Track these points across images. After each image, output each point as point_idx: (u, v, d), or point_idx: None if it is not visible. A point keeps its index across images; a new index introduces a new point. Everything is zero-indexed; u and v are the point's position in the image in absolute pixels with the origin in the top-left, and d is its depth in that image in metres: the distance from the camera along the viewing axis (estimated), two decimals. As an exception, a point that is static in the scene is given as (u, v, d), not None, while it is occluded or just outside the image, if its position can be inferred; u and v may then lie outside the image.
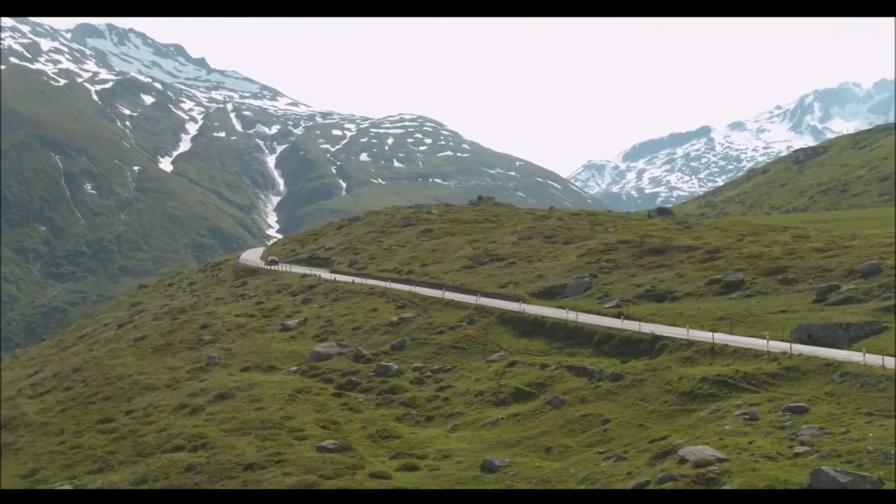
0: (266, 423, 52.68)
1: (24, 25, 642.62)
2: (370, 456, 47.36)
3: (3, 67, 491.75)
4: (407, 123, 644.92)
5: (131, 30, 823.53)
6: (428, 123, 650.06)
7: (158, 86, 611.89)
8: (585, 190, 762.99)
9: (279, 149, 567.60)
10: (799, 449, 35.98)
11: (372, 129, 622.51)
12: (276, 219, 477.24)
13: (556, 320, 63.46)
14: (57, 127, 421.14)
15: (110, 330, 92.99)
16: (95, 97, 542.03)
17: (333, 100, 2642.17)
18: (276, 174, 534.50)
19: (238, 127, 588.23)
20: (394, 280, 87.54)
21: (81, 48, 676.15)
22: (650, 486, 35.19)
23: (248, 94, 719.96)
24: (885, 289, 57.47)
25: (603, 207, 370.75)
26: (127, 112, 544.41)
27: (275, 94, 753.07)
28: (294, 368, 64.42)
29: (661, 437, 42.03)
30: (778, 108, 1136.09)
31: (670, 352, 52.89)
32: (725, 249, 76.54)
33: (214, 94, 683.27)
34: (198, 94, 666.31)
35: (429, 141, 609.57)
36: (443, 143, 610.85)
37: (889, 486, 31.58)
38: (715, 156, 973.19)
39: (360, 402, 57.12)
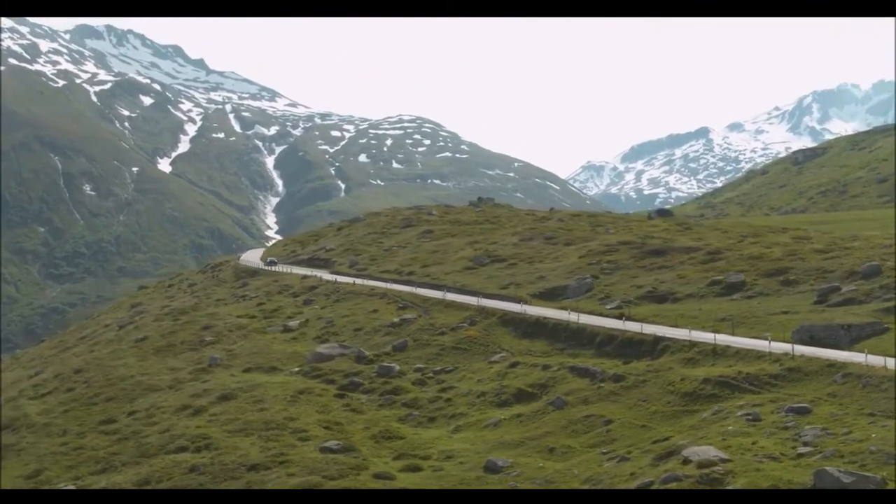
0: (269, 423, 52.76)
1: (23, 26, 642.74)
2: (373, 457, 47.45)
3: (2, 68, 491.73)
4: (406, 124, 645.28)
5: (130, 31, 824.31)
6: (427, 124, 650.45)
7: (157, 87, 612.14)
8: (584, 191, 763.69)
9: (278, 150, 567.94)
10: (802, 449, 36.08)
11: (371, 130, 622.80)
12: (274, 220, 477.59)
13: (558, 321, 63.58)
14: (56, 128, 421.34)
15: (111, 331, 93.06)
16: (94, 98, 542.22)
17: (332, 101, 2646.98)
18: (274, 175, 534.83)
19: (237, 128, 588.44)
20: (395, 281, 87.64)
21: (80, 49, 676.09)
22: (654, 487, 35.30)
23: (246, 95, 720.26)
24: (886, 290, 57.61)
25: (601, 208, 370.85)
26: (126, 113, 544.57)
27: (273, 95, 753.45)
28: (296, 369, 64.52)
29: (664, 438, 42.12)
30: (776, 109, 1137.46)
31: (672, 353, 53.01)
32: (726, 251, 76.68)
33: (213, 95, 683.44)
34: (197, 95, 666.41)
35: (427, 142, 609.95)
36: (441, 144, 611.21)
37: (892, 486, 31.72)
38: (713, 157, 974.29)
39: (363, 402, 57.22)
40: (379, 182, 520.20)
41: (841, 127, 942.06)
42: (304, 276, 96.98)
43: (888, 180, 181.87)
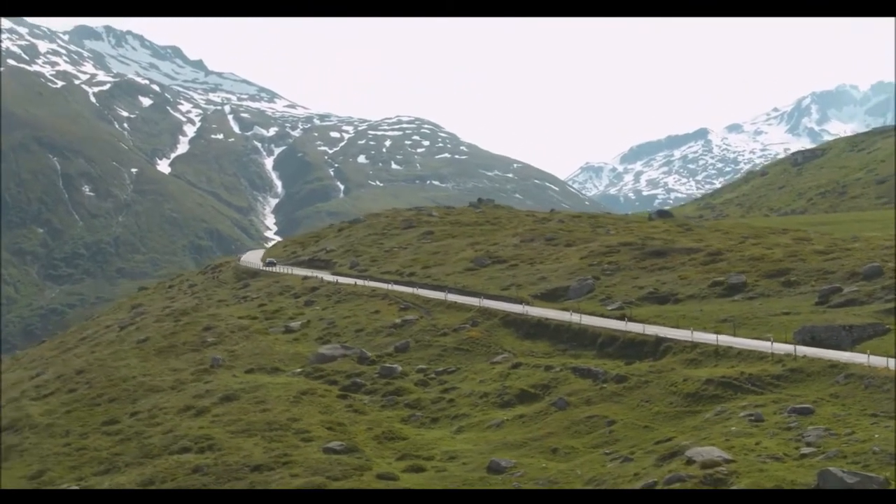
0: (272, 424, 52.87)
1: (22, 27, 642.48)
2: (377, 457, 47.57)
3: (1, 69, 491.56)
4: (405, 125, 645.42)
5: (129, 32, 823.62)
6: (426, 125, 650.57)
7: (156, 88, 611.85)
8: (583, 192, 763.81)
9: (277, 151, 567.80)
10: (805, 450, 36.21)
11: (370, 132, 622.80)
12: (273, 221, 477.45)
13: (560, 322, 63.72)
14: (55, 129, 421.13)
15: (112, 332, 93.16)
16: (93, 99, 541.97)
17: (331, 101, 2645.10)
18: (273, 176, 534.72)
19: (236, 129, 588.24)
20: (396, 282, 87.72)
21: (79, 50, 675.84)
22: (658, 487, 35.41)
23: (245, 96, 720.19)
24: (888, 291, 57.78)
25: (600, 209, 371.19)
26: (125, 114, 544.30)
27: (272, 96, 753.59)
28: (298, 370, 64.62)
29: (666, 439, 42.23)
30: (775, 110, 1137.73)
31: (674, 353, 53.16)
32: (727, 252, 76.82)
33: (212, 96, 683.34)
34: (195, 96, 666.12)
35: (426, 143, 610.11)
36: (440, 145, 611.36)
37: (895, 486, 31.84)
38: (712, 158, 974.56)
39: (366, 403, 57.34)
40: (378, 183, 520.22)
41: (840, 128, 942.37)
42: (305, 277, 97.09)
43: (887, 181, 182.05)
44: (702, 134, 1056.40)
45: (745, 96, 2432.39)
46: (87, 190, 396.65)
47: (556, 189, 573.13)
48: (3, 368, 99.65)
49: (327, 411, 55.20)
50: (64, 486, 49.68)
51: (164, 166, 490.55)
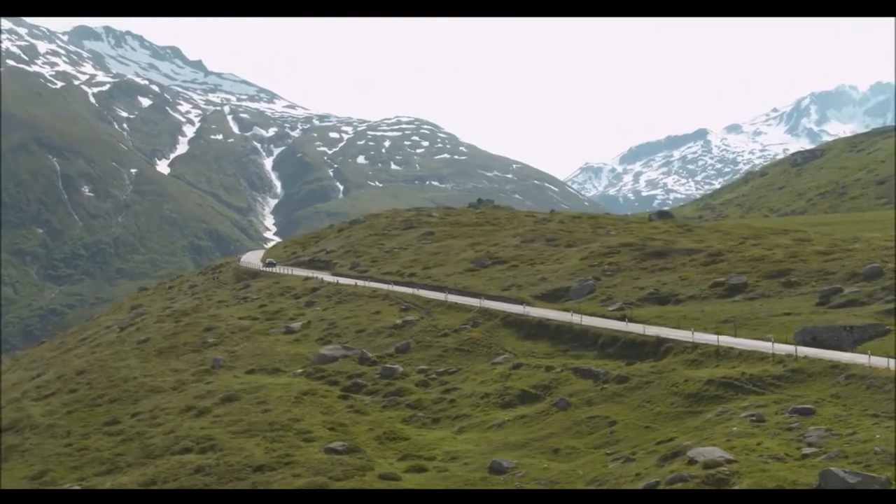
0: (273, 425, 52.92)
1: (21, 28, 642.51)
2: (378, 458, 47.62)
3: (0, 70, 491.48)
4: (404, 126, 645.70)
5: (128, 32, 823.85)
6: (425, 126, 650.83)
7: (156, 88, 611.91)
8: (582, 192, 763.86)
9: (276, 151, 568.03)
10: (807, 450, 36.25)
11: (369, 132, 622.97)
12: (273, 221, 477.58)
13: (561, 323, 63.78)
14: (54, 129, 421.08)
15: (112, 332, 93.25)
16: (93, 99, 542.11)
17: (331, 102, 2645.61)
18: (273, 177, 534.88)
19: (235, 129, 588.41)
20: (396, 283, 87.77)
21: (78, 50, 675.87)
22: (660, 487, 35.46)
23: (245, 97, 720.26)
24: (888, 292, 57.86)
25: (600, 210, 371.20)
26: (124, 114, 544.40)
27: (272, 97, 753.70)
28: (299, 371, 64.67)
29: (668, 439, 42.28)
30: (774, 110, 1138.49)
31: (675, 354, 53.21)
32: (728, 252, 76.91)
33: (212, 97, 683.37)
34: (195, 96, 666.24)
35: (426, 143, 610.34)
36: (440, 145, 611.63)
37: (897, 486, 31.91)
38: (712, 158, 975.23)
39: (367, 404, 57.39)
40: (377, 183, 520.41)
41: (839, 129, 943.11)
42: (306, 278, 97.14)
43: (887, 182, 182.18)
44: (701, 134, 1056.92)
45: (745, 97, 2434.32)
46: (87, 190, 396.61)
47: (556, 189, 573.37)
48: (3, 369, 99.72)
49: (329, 412, 55.26)
50: (66, 487, 49.68)
51: (163, 167, 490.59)
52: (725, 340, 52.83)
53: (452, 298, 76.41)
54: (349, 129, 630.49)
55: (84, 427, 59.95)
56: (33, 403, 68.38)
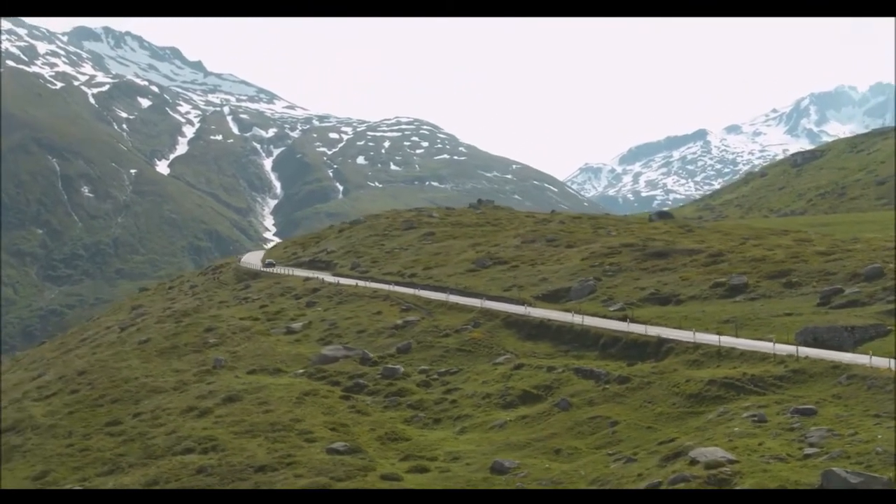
0: (275, 425, 52.95)
1: (21, 28, 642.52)
2: (380, 458, 47.66)
3: (0, 70, 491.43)
4: (403, 126, 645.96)
5: (128, 33, 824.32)
6: (424, 127, 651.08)
7: (155, 89, 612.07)
8: (582, 193, 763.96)
9: (276, 152, 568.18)
10: (808, 450, 36.27)
11: (368, 133, 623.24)
12: (272, 222, 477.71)
13: (562, 323, 63.82)
14: (54, 130, 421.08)
15: (113, 333, 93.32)
16: (92, 100, 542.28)
17: (330, 102, 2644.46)
18: (272, 177, 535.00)
19: (235, 130, 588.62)
20: (397, 283, 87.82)
21: (78, 51, 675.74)
22: (663, 487, 35.50)
23: (244, 98, 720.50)
24: (889, 292, 57.89)
25: (599, 210, 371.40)
26: (124, 115, 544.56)
27: (271, 98, 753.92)
28: (301, 371, 64.71)
29: (670, 439, 42.30)
30: (774, 111, 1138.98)
31: (677, 354, 53.25)
32: (728, 253, 76.97)
33: (211, 98, 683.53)
34: (194, 97, 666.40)
35: (425, 144, 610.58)
36: (439, 146, 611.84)
37: (899, 486, 31.95)
38: (711, 159, 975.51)
39: (368, 404, 57.43)
40: (377, 184, 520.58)
41: (838, 129, 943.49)
42: (306, 279, 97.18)
43: (887, 182, 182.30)
44: (700, 135, 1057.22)
45: (744, 97, 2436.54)
46: (87, 191, 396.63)
47: (555, 190, 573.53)
48: (4, 369, 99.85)
49: (330, 412, 55.29)
50: (68, 487, 49.71)
51: (163, 167, 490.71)
52: (727, 341, 52.85)
53: (453, 299, 76.46)
54: (349, 129, 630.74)
55: (86, 427, 59.99)
56: (35, 404, 68.44)
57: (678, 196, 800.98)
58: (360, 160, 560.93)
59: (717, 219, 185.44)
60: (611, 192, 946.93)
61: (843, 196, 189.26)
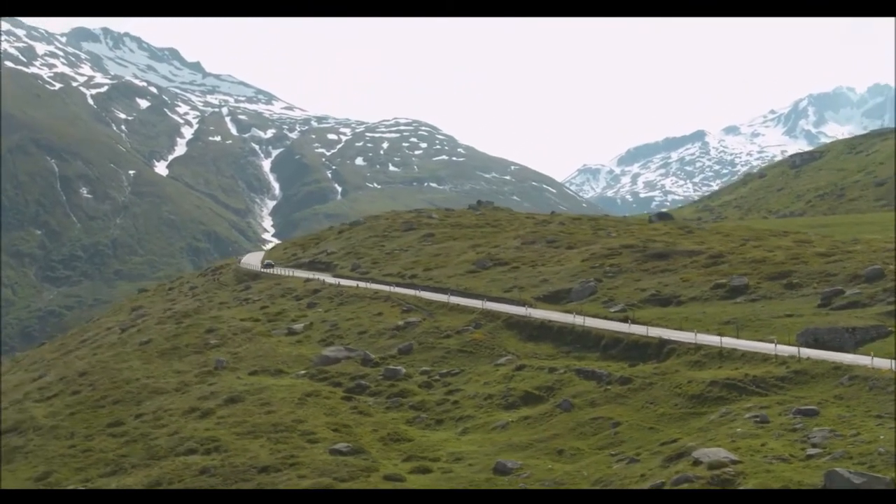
0: (278, 426, 53.03)
1: (20, 29, 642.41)
2: (383, 458, 47.74)
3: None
4: (402, 127, 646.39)
5: (126, 34, 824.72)
6: (423, 127, 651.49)
7: (154, 90, 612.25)
8: (580, 194, 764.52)
9: (274, 153, 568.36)
10: (811, 451, 36.38)
11: (367, 134, 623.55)
12: (271, 223, 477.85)
13: (563, 324, 63.90)
14: (52, 131, 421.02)
15: (113, 334, 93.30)
16: (91, 101, 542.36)
17: (330, 102, 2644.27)
18: (271, 178, 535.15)
19: (233, 131, 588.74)
20: (398, 284, 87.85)
21: (77, 52, 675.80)
22: (666, 488, 35.61)
23: (243, 99, 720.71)
24: (889, 293, 58.01)
25: (598, 211, 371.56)
26: (122, 116, 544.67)
27: (270, 99, 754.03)
28: (302, 372, 64.76)
29: (672, 440, 42.39)
30: (772, 112, 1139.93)
31: (678, 355, 53.35)
32: (729, 254, 77.07)
33: (210, 99, 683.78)
34: (193, 98, 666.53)
35: (424, 145, 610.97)
36: (438, 147, 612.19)
37: (902, 486, 32.06)
38: (710, 160, 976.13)
39: (370, 405, 57.49)
40: (375, 185, 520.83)
41: (837, 130, 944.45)
42: (307, 280, 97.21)
43: (886, 183, 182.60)
44: (699, 136, 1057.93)
45: (742, 98, 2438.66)
46: (85, 192, 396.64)
47: (554, 191, 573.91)
48: (4, 370, 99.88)
49: (332, 413, 55.37)
50: (72, 487, 49.78)
51: (161, 168, 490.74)
52: (728, 342, 52.95)
53: (454, 300, 76.52)
54: (347, 130, 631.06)
55: (87, 428, 60.04)
56: (36, 405, 68.44)
57: (676, 197, 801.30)
58: (359, 161, 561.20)
59: (717, 220, 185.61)
60: (609, 193, 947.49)
61: (842, 197, 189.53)
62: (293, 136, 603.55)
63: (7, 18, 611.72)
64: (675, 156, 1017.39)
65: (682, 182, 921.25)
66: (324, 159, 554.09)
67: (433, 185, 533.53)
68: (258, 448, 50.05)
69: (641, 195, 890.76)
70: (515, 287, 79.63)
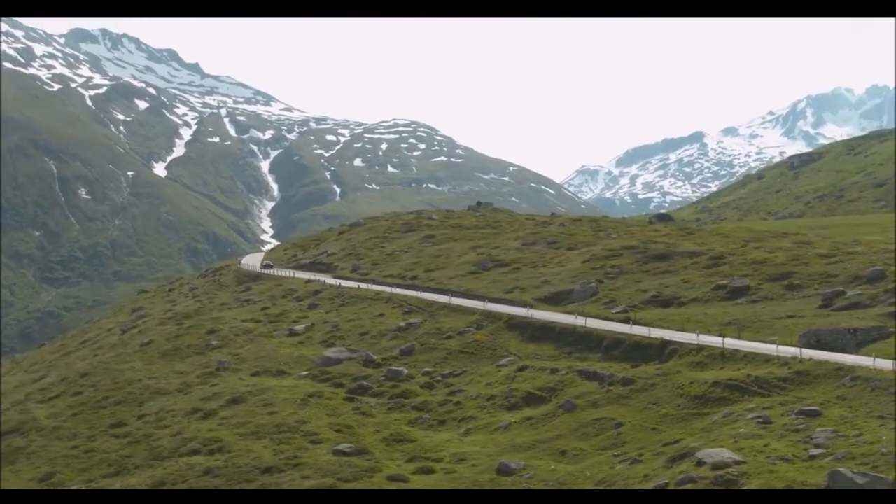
0: (280, 426, 53.13)
1: (18, 30, 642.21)
2: (386, 459, 47.84)
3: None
4: (401, 128, 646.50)
5: (125, 35, 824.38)
6: (422, 129, 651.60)
7: (152, 91, 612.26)
8: (579, 195, 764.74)
9: (273, 154, 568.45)
10: (814, 451, 36.52)
11: (366, 135, 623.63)
12: (270, 224, 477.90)
13: (565, 325, 64.02)
14: (51, 132, 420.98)
15: (114, 335, 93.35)
16: (89, 102, 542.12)
17: (330, 103, 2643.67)
18: (270, 179, 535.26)
19: (232, 132, 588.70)
20: (399, 285, 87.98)
21: (75, 53, 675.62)
22: (670, 488, 35.73)
23: (241, 100, 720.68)
24: (890, 294, 58.17)
25: (597, 212, 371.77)
26: (121, 117, 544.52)
27: (269, 100, 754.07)
28: (304, 373, 64.86)
29: (675, 441, 42.51)
30: (771, 113, 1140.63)
31: (680, 356, 53.47)
32: (730, 255, 77.21)
33: (208, 100, 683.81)
34: (192, 99, 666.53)
35: (422, 146, 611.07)
36: (436, 148, 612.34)
37: (905, 487, 32.21)
38: (708, 161, 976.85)
39: (372, 406, 57.59)
40: (374, 186, 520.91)
41: (835, 131, 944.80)
42: (308, 281, 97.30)
43: (885, 185, 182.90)
44: (697, 137, 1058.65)
45: (741, 99, 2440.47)
46: (84, 193, 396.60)
47: (552, 192, 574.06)
48: (4, 371, 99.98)
49: (335, 414, 55.46)
50: (75, 488, 49.87)
51: (160, 169, 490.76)
52: (730, 343, 53.04)
53: (455, 301, 76.65)
54: (346, 131, 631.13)
55: (90, 429, 60.11)
56: (38, 406, 68.50)
57: (675, 198, 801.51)
58: (358, 162, 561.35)
59: (716, 221, 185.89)
60: (608, 194, 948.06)
61: (841, 198, 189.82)
62: (292, 137, 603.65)
63: (5, 19, 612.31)
64: (673, 157, 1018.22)
65: (680, 183, 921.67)
66: (322, 160, 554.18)
67: (432, 186, 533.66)
68: (261, 449, 50.14)
69: (640, 196, 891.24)
70: (516, 288, 79.76)
